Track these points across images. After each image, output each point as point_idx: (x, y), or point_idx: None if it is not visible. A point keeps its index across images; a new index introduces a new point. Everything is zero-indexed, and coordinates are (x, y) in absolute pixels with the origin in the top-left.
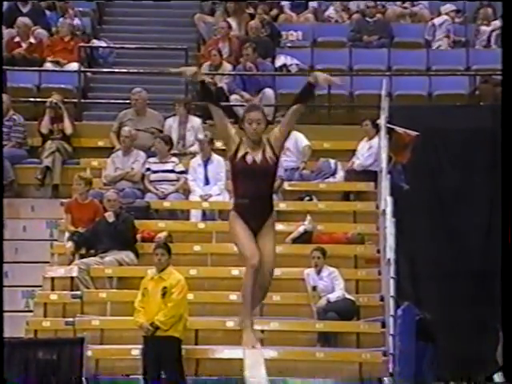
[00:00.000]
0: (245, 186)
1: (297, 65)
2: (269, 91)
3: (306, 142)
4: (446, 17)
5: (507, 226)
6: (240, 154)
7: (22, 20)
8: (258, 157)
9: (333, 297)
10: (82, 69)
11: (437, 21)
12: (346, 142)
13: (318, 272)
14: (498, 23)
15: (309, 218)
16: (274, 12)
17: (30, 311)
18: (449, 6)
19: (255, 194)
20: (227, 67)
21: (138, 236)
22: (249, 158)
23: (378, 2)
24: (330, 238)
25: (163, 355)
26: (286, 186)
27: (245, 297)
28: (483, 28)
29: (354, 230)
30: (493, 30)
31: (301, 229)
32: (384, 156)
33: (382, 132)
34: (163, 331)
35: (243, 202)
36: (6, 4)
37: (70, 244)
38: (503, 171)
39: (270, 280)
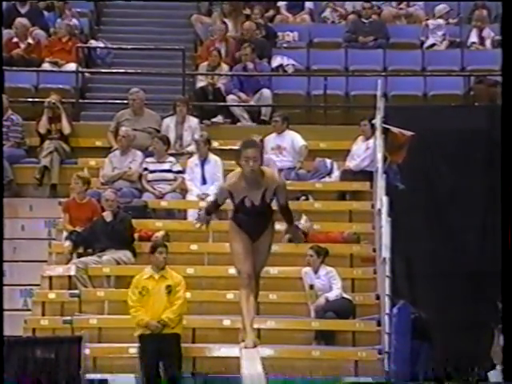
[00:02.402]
0: (243, 216)
1: (293, 65)
2: (266, 92)
3: (302, 142)
4: (441, 21)
5: (507, 225)
6: (238, 200)
7: (20, 21)
8: (257, 199)
9: (331, 296)
10: (80, 69)
11: (431, 24)
12: (342, 142)
13: (316, 271)
14: (489, 31)
15: (304, 217)
16: (271, 13)
17: (28, 310)
18: (442, 8)
19: (254, 214)
20: (224, 68)
21: (136, 235)
22: (247, 202)
23: (374, 3)
24: (325, 238)
25: (164, 350)
26: None
27: (241, 306)
28: (473, 33)
29: (350, 229)
30: (483, 38)
31: None
32: (379, 156)
33: (378, 132)
34: (170, 328)
35: (241, 219)
36: (4, 4)
37: (67, 243)
38: (503, 171)
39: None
